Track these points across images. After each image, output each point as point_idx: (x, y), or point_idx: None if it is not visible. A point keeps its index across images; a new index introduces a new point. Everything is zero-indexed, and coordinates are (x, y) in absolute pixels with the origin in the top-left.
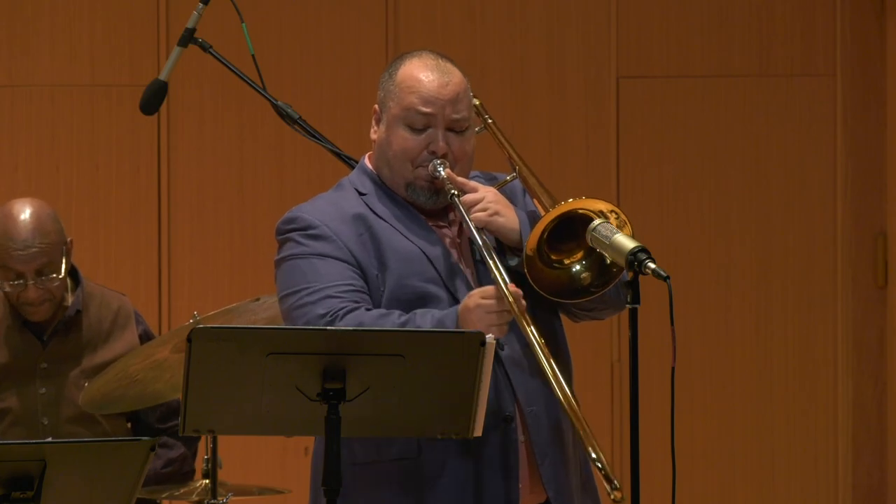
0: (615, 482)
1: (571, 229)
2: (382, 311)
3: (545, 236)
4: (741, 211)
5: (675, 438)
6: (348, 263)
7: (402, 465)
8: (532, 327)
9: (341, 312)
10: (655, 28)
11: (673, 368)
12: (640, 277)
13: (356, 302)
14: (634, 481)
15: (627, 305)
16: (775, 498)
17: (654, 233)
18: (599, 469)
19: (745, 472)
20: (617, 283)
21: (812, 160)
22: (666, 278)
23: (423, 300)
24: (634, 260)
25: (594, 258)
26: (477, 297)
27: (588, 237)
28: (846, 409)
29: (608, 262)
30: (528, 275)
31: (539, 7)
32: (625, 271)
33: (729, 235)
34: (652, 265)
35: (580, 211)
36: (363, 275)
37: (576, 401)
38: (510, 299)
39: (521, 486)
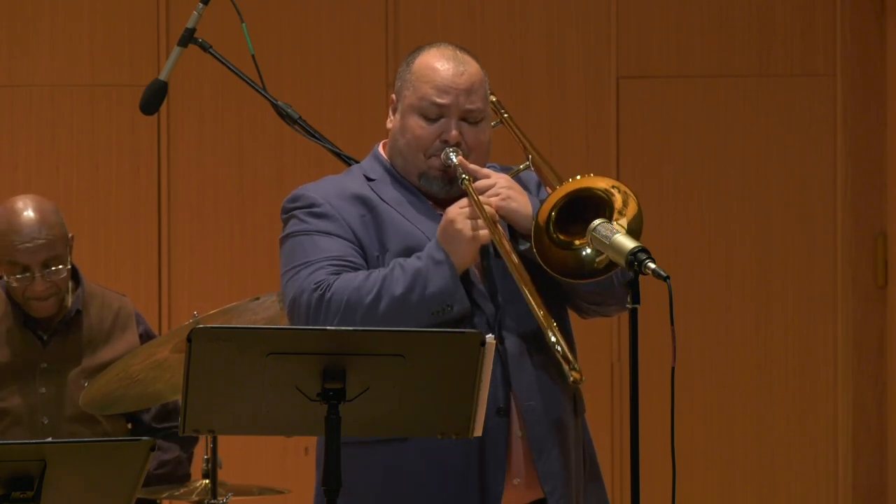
0: (574, 363)
1: (579, 212)
2: (367, 271)
3: (553, 214)
4: (741, 211)
5: (675, 438)
6: (350, 241)
7: (392, 446)
8: (505, 241)
9: (331, 280)
10: (655, 28)
11: (673, 368)
12: (640, 277)
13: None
14: (634, 481)
15: (628, 306)
16: (775, 498)
17: (654, 233)
18: (559, 352)
19: (745, 472)
20: (620, 272)
21: (812, 160)
22: (666, 278)
23: None
24: (634, 260)
25: None
26: (455, 208)
27: (588, 237)
28: (846, 409)
29: None
30: (534, 248)
31: (539, 7)
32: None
33: (729, 235)
34: (652, 265)
35: (587, 187)
36: (364, 254)
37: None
38: (480, 205)
39: (518, 482)
